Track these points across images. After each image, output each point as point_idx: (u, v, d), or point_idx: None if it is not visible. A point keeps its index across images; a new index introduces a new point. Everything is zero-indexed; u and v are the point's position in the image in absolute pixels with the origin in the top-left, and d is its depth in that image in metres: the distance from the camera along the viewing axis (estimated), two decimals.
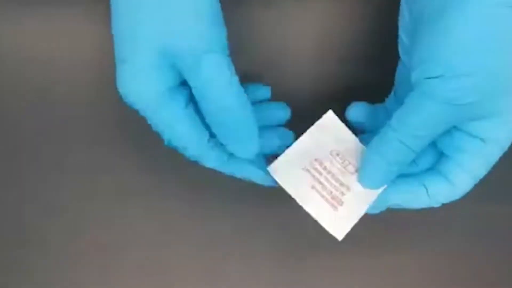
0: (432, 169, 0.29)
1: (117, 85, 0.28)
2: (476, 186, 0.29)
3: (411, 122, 0.26)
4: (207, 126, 0.28)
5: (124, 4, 0.26)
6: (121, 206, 0.36)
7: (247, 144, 0.28)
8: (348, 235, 0.36)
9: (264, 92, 0.32)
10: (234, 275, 0.36)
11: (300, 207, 0.36)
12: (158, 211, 0.36)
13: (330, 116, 0.31)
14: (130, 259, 0.36)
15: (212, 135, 0.29)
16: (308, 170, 0.29)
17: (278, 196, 0.36)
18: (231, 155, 0.29)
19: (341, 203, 0.29)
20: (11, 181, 0.36)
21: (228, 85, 0.27)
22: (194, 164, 0.36)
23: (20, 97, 0.37)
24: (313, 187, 0.29)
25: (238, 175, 0.30)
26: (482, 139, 0.27)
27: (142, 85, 0.27)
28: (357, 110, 0.31)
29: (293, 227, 0.36)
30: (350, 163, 0.30)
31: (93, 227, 0.36)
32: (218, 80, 0.26)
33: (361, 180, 0.29)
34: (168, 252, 0.36)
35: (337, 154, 0.30)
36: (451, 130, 0.28)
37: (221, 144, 0.28)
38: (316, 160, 0.30)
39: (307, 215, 0.36)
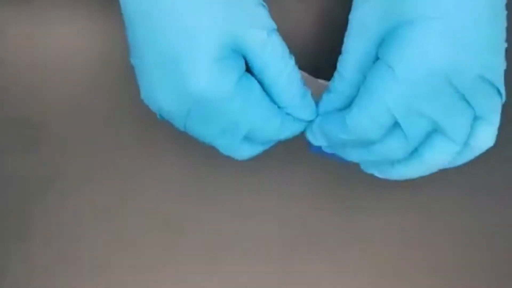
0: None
1: (185, 87, 0.25)
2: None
3: (345, 48, 0.27)
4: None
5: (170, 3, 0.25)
6: (120, 208, 0.36)
7: (311, 106, 0.29)
8: (347, 234, 0.36)
9: None
10: (232, 274, 0.36)
11: (300, 207, 0.37)
12: (157, 211, 0.36)
13: None
14: (130, 258, 0.36)
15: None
16: None
17: (277, 195, 0.37)
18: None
19: None
20: (11, 181, 0.37)
21: (290, 56, 0.28)
22: (195, 164, 0.36)
23: (20, 97, 0.37)
24: None
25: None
26: (379, 60, 0.26)
27: (216, 79, 0.25)
28: None
29: (292, 225, 0.36)
30: None
31: (93, 227, 0.36)
32: (283, 54, 0.27)
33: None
34: (168, 252, 0.36)
35: None
36: None
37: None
38: None
39: (306, 214, 0.36)
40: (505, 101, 0.27)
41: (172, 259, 0.36)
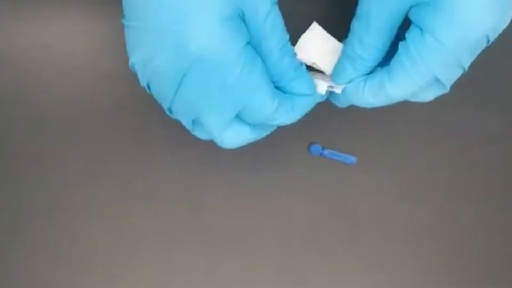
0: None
1: (189, 44, 0.25)
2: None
3: (367, 15, 0.27)
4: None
5: None
6: (121, 209, 0.36)
7: (307, 81, 0.29)
8: (347, 234, 0.36)
9: None
10: (231, 274, 0.36)
11: (300, 207, 0.37)
12: (157, 211, 0.37)
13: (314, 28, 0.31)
14: (129, 258, 0.36)
15: None
16: None
17: (277, 195, 0.37)
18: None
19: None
20: (11, 181, 0.37)
21: (286, 31, 0.28)
22: (195, 165, 0.37)
23: (21, 96, 0.37)
24: None
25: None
26: (420, 28, 0.27)
27: (220, 40, 0.25)
28: None
29: (292, 225, 0.37)
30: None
31: (93, 226, 0.36)
32: (282, 27, 0.27)
33: (333, 78, 0.31)
34: (167, 252, 0.36)
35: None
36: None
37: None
38: None
39: (306, 214, 0.37)
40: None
41: (171, 259, 0.36)
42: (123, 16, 0.27)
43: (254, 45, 0.27)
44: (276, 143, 0.34)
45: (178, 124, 0.37)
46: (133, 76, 0.38)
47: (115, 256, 0.36)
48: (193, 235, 0.36)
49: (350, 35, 0.29)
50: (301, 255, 0.36)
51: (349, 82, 0.30)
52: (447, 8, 0.25)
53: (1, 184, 0.37)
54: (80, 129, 0.37)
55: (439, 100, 0.38)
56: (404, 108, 0.37)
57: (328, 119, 0.37)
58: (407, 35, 0.27)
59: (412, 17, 0.27)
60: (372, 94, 0.29)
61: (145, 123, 0.37)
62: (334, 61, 0.31)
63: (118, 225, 0.36)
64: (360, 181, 0.37)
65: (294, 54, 0.28)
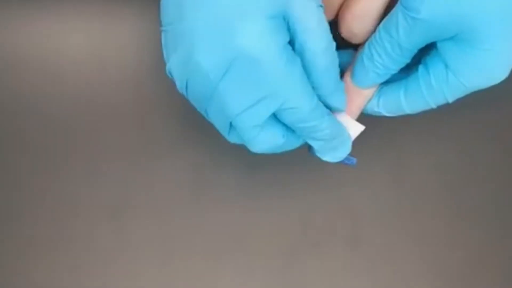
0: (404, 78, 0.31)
1: (236, 38, 0.25)
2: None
3: (392, 33, 0.28)
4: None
5: None
6: (121, 209, 0.36)
7: (343, 96, 0.30)
8: (347, 235, 0.36)
9: None
10: (230, 274, 0.36)
11: (300, 207, 0.37)
12: (156, 212, 0.37)
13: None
14: (129, 259, 0.36)
15: None
16: None
17: (277, 195, 0.37)
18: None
19: None
20: (11, 181, 0.37)
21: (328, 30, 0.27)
22: (195, 165, 0.37)
23: (22, 96, 0.37)
24: None
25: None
26: (445, 64, 0.28)
27: (265, 36, 0.25)
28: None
29: (292, 225, 0.37)
30: None
31: (94, 226, 0.36)
32: (328, 32, 0.27)
33: (352, 77, 0.31)
34: (167, 252, 0.36)
35: None
36: (433, 45, 0.29)
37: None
38: None
39: (304, 215, 0.37)
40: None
41: (171, 259, 0.36)
42: (160, 23, 0.28)
43: (298, 50, 0.27)
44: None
45: (178, 125, 0.37)
46: (134, 76, 0.38)
47: (115, 256, 0.36)
48: (193, 235, 0.36)
49: (378, 47, 0.29)
50: (300, 256, 0.36)
51: (370, 85, 0.31)
52: (475, 57, 0.27)
53: (0, 183, 0.37)
54: (81, 129, 0.37)
55: None
56: None
57: None
58: (430, 65, 0.29)
59: (439, 47, 0.28)
60: (388, 111, 0.31)
61: (145, 124, 0.37)
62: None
63: (118, 225, 0.36)
64: (361, 182, 0.37)
65: (337, 67, 0.28)
